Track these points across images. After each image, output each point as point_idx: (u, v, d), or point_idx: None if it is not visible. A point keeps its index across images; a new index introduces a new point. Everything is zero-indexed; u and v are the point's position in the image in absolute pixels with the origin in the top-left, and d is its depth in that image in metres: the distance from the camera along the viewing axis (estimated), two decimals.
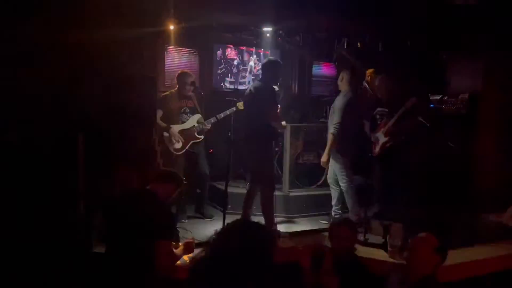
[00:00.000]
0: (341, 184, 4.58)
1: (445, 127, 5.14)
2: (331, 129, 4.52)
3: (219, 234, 1.66)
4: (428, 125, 4.76)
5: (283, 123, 4.36)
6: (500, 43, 5.37)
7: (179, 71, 4.85)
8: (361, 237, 3.87)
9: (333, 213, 4.70)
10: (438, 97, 6.09)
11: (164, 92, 4.82)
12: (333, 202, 4.71)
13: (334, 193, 4.70)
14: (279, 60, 4.46)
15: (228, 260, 1.57)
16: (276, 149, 5.14)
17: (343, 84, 4.62)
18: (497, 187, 5.44)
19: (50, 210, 3.12)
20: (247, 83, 6.82)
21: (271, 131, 4.14)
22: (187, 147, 4.60)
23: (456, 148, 4.42)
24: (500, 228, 4.39)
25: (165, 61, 6.07)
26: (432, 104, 6.06)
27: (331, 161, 4.64)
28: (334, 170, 4.65)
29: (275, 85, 4.29)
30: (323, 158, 4.63)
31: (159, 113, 4.48)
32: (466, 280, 3.56)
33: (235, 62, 6.68)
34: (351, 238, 2.89)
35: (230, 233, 1.66)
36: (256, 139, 4.09)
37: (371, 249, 3.64)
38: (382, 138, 4.60)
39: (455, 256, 3.65)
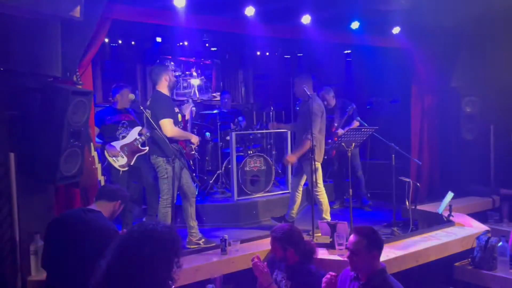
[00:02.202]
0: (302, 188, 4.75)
1: None
2: (308, 135, 4.24)
3: (120, 240, 1.66)
4: (366, 125, 5.24)
5: (195, 139, 4.06)
6: None
7: (115, 85, 4.68)
8: (310, 238, 3.97)
9: (287, 217, 4.75)
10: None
11: (100, 107, 4.65)
12: (292, 206, 4.74)
13: (296, 198, 4.72)
14: (160, 64, 4.34)
15: (127, 267, 1.57)
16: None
17: (307, 90, 4.38)
18: (427, 181, 5.83)
19: None
20: (193, 94, 6.85)
21: (162, 145, 3.78)
22: (133, 162, 4.44)
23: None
24: (436, 218, 4.69)
25: (102, 76, 5.89)
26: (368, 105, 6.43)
27: (303, 166, 4.55)
28: (303, 175, 4.62)
29: (167, 90, 3.96)
30: (290, 158, 4.58)
31: (96, 129, 4.29)
32: (411, 269, 3.75)
33: (176, 74, 6.64)
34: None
35: (129, 238, 1.67)
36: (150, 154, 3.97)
37: (321, 249, 3.72)
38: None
39: (400, 248, 3.84)
